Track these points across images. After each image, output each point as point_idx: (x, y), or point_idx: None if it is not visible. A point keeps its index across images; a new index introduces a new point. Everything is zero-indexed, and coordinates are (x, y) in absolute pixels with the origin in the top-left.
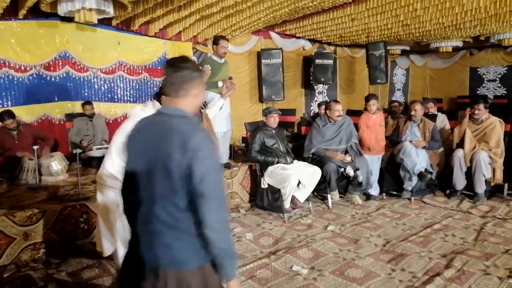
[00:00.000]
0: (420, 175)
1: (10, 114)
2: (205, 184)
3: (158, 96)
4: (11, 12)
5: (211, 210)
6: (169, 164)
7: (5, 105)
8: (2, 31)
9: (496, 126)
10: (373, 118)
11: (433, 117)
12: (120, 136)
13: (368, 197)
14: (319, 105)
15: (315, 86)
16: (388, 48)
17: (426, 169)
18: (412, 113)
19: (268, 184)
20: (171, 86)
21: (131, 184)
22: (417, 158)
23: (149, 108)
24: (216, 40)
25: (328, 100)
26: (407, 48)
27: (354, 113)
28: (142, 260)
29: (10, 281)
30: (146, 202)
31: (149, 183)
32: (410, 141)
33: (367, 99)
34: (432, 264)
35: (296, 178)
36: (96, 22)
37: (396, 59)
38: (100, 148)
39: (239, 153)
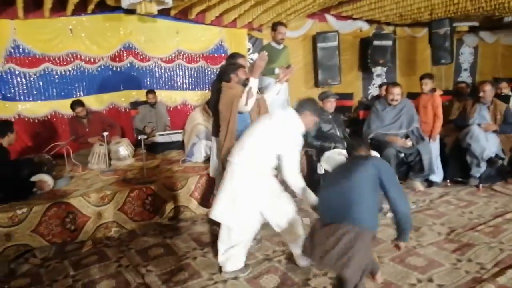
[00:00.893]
0: (490, 161)
1: (80, 103)
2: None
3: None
4: (81, 8)
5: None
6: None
7: (78, 95)
8: (74, 26)
9: None
10: (425, 99)
11: (506, 98)
12: None
13: (430, 184)
14: (380, 86)
15: (373, 69)
16: (454, 25)
17: (496, 155)
18: (481, 94)
19: (325, 170)
20: None
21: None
22: (486, 143)
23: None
24: (274, 26)
25: (388, 82)
26: (476, 24)
27: (415, 96)
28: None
29: (88, 256)
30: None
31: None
32: (479, 125)
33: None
34: (503, 255)
35: None
36: (156, 13)
37: (462, 36)
38: (162, 135)
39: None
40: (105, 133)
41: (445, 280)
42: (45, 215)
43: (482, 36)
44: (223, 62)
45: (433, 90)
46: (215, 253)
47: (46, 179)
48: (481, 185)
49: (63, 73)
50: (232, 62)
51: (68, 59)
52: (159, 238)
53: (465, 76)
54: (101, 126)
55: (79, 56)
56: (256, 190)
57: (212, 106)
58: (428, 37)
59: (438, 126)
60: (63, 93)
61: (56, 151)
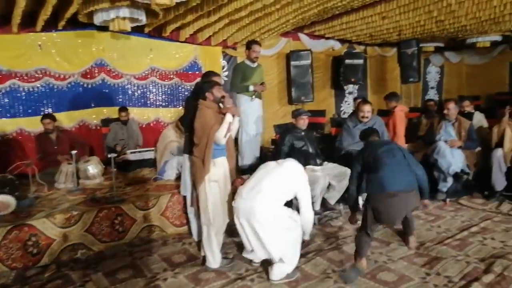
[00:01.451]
0: (456, 176)
1: (51, 116)
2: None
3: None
4: (51, 24)
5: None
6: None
7: (46, 112)
8: (44, 42)
9: None
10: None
11: (469, 116)
12: None
13: None
14: (354, 100)
15: (345, 87)
16: (420, 45)
17: (462, 170)
18: (446, 111)
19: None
20: None
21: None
22: (452, 158)
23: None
24: (249, 44)
25: (363, 97)
26: (441, 44)
27: (385, 113)
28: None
29: (51, 281)
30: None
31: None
32: (445, 141)
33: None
34: (469, 268)
35: (326, 180)
36: (129, 30)
37: (429, 56)
38: (134, 152)
39: (268, 155)
40: (74, 152)
41: None
42: (6, 238)
43: (447, 56)
44: (198, 80)
45: (394, 107)
46: (187, 274)
47: (7, 200)
48: (448, 200)
49: (31, 89)
50: (207, 80)
51: (37, 75)
52: (128, 259)
53: (432, 94)
54: (70, 145)
55: (48, 73)
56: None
57: (187, 124)
58: (397, 56)
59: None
60: (30, 110)
61: (20, 170)
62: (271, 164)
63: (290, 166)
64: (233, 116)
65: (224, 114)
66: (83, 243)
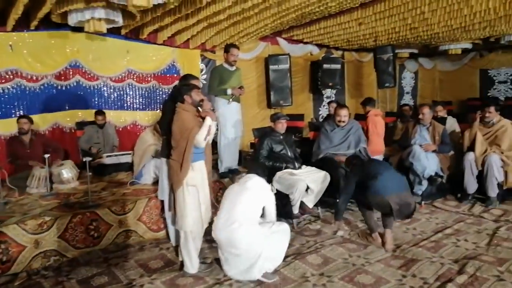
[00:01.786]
0: (430, 179)
1: (28, 117)
2: None
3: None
4: (23, 24)
5: None
6: None
7: (18, 114)
8: (15, 42)
9: (508, 129)
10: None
11: (442, 120)
12: None
13: None
14: (328, 104)
15: (323, 91)
16: (396, 51)
17: (436, 173)
18: (420, 116)
19: (277, 190)
20: None
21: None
22: (427, 161)
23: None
24: (227, 48)
25: (338, 101)
26: (415, 51)
27: (363, 117)
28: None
29: None
30: None
31: None
32: (420, 145)
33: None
34: (444, 269)
35: (304, 183)
36: (105, 31)
37: (404, 62)
38: (110, 156)
39: (247, 159)
40: (47, 155)
41: None
42: None
43: (421, 62)
44: (176, 82)
45: (368, 112)
46: (164, 279)
47: None
48: (423, 202)
49: (1, 91)
50: (186, 83)
51: (7, 76)
52: (103, 266)
53: (407, 99)
54: (44, 149)
55: (19, 74)
56: (260, 239)
57: (164, 127)
58: (374, 62)
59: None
60: (0, 113)
61: None
62: (235, 188)
63: (254, 184)
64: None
65: (203, 118)
66: (56, 249)
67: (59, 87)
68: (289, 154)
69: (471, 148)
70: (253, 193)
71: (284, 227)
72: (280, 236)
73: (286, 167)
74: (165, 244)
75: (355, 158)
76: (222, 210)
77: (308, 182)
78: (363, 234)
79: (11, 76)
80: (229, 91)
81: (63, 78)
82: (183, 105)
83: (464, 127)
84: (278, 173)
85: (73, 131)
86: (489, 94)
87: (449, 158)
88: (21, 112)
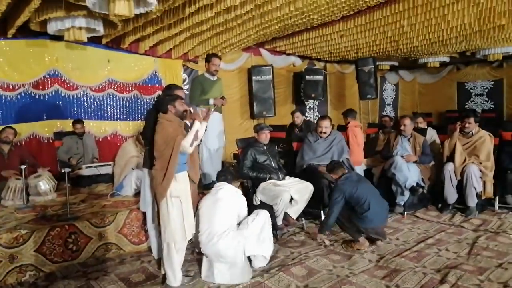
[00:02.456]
0: (412, 190)
1: (12, 127)
2: None
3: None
4: (0, 31)
5: None
6: None
7: None
8: None
9: (486, 140)
10: None
11: (422, 132)
12: None
13: None
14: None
15: (306, 102)
16: (377, 63)
17: (417, 184)
18: (402, 127)
19: (260, 201)
20: None
21: None
22: (409, 172)
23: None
24: (208, 57)
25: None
26: (396, 63)
27: (343, 128)
28: None
29: None
30: None
31: None
32: (402, 156)
33: None
34: (426, 279)
35: (288, 194)
36: (86, 40)
37: (385, 74)
38: (89, 167)
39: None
40: (23, 166)
41: None
42: None
43: (401, 75)
44: (158, 93)
45: (348, 123)
46: None
47: None
48: (405, 213)
49: None
50: (169, 93)
51: None
52: (82, 280)
53: (389, 111)
54: (20, 160)
55: None
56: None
57: (147, 137)
58: (355, 73)
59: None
60: None
61: None
62: (208, 200)
63: (225, 193)
64: (201, 122)
65: (191, 124)
66: (32, 264)
67: (37, 96)
68: (273, 164)
69: (451, 158)
70: (226, 203)
71: (260, 217)
72: (260, 229)
73: (270, 178)
74: (146, 257)
75: (337, 165)
76: (202, 225)
77: (292, 193)
78: (347, 244)
79: None
80: (211, 101)
81: (41, 87)
82: (166, 115)
83: (444, 138)
84: (262, 184)
85: (51, 141)
86: (466, 106)
87: (430, 168)
88: None
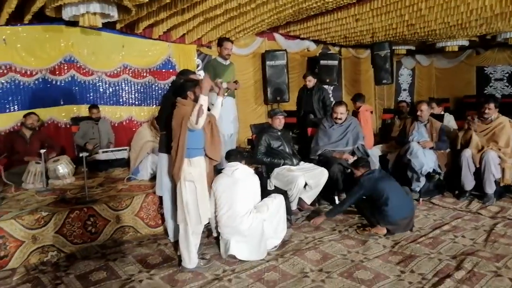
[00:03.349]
0: (428, 176)
1: (36, 114)
2: None
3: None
4: (16, 17)
5: None
6: None
7: (12, 110)
8: (8, 36)
9: (506, 126)
10: None
11: (439, 117)
12: None
13: None
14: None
15: None
16: (393, 48)
17: (434, 170)
18: (419, 113)
19: (275, 186)
20: None
21: None
22: (425, 158)
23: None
24: (220, 41)
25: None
26: (413, 48)
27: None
28: None
29: (19, 284)
30: None
31: None
32: (418, 142)
33: None
34: (442, 265)
35: (302, 179)
36: (100, 26)
37: (401, 59)
38: (106, 152)
39: (244, 155)
40: (43, 150)
41: None
42: None
43: (418, 59)
44: (172, 78)
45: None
46: (162, 275)
47: None
48: (421, 199)
49: None
50: (189, 78)
51: (1, 71)
52: (101, 261)
53: (404, 96)
54: (41, 145)
55: (13, 68)
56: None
57: (164, 122)
58: (371, 58)
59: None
60: None
61: None
62: (224, 180)
63: (242, 173)
64: (208, 93)
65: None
66: (53, 245)
67: (54, 82)
68: (287, 150)
69: (466, 146)
70: (245, 184)
71: (277, 201)
72: (276, 211)
73: (284, 164)
74: (163, 240)
75: (362, 162)
76: (222, 207)
77: (306, 179)
78: (363, 229)
79: (5, 71)
80: (224, 85)
81: (57, 73)
82: (184, 100)
83: (461, 124)
84: (276, 170)
85: (68, 126)
86: (485, 91)
87: (447, 155)
88: (16, 108)
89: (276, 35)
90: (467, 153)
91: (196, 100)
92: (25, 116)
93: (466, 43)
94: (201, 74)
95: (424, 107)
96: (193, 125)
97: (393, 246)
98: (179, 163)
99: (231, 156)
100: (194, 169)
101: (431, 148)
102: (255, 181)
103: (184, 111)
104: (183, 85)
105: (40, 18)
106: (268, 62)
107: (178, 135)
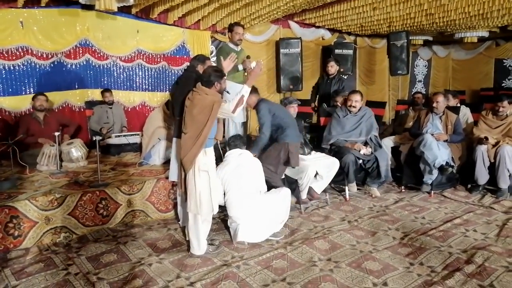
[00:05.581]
0: (441, 169)
1: (45, 94)
2: None
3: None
4: (33, 0)
5: None
6: None
7: (27, 92)
8: (25, 19)
9: None
10: None
11: (455, 110)
12: None
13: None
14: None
15: None
16: (410, 38)
17: (447, 163)
18: (434, 105)
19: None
20: None
21: None
22: (438, 151)
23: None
24: (231, 26)
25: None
26: (430, 38)
27: (373, 105)
28: None
29: (32, 264)
30: None
31: None
32: (432, 134)
33: None
34: (452, 259)
35: (313, 169)
36: (116, 10)
37: (417, 49)
38: (118, 136)
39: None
40: (57, 133)
41: (399, 283)
42: None
43: (435, 50)
44: (186, 64)
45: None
46: (172, 259)
47: None
48: (432, 192)
49: (12, 68)
50: (217, 69)
51: (18, 53)
52: (112, 244)
53: (419, 87)
54: (57, 126)
55: (30, 51)
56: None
57: (179, 107)
58: (387, 48)
59: None
60: (10, 89)
61: (1, 150)
62: (231, 164)
63: (245, 159)
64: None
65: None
66: (66, 226)
67: (69, 66)
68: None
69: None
70: (249, 169)
71: (284, 192)
72: (282, 199)
73: None
74: (173, 225)
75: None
76: (230, 189)
77: (317, 168)
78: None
79: (22, 53)
80: (240, 67)
81: (72, 56)
82: (208, 89)
83: (477, 117)
84: None
85: (82, 110)
86: (503, 84)
87: (461, 148)
88: (31, 90)
89: (291, 23)
90: (482, 147)
91: (220, 91)
92: (33, 98)
93: (486, 34)
94: (252, 63)
95: (441, 98)
96: (229, 113)
97: (403, 238)
98: (196, 151)
99: (233, 142)
100: (209, 158)
101: (445, 140)
102: (258, 166)
103: (210, 100)
104: (211, 75)
105: (57, 1)
106: (282, 50)
107: (201, 124)
